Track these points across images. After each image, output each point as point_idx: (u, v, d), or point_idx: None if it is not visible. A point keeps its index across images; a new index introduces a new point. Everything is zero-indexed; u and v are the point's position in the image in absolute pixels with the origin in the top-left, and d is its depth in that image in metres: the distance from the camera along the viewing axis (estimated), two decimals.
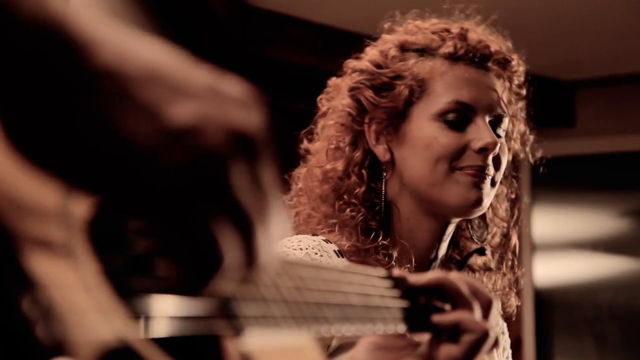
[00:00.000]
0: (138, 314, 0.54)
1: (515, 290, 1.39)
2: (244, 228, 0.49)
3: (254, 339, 0.64)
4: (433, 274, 0.92)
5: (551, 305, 3.88)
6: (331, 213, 1.30)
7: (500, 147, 1.28)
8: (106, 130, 0.45)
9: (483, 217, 1.37)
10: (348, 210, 1.30)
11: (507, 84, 1.33)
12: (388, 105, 1.30)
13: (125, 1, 2.51)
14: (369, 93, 1.30)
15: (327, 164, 1.33)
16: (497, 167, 1.29)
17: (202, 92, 0.48)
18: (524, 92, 1.37)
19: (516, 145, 1.38)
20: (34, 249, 0.47)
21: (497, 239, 1.38)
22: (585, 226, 4.01)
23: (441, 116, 1.27)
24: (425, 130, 1.28)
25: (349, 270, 0.85)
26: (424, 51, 1.31)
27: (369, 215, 1.29)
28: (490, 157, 1.26)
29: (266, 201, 0.50)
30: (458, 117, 1.27)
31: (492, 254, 1.37)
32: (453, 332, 0.89)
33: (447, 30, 1.32)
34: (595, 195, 3.96)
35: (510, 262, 1.38)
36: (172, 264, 0.50)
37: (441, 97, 1.28)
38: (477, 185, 1.26)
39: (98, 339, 0.48)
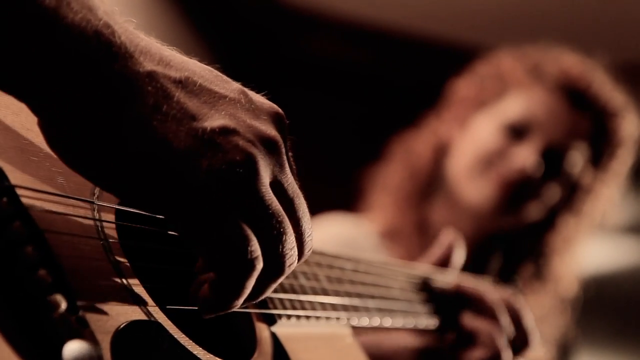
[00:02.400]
0: (166, 301, 0.56)
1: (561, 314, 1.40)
2: (273, 230, 0.51)
3: (286, 326, 0.67)
4: (459, 281, 0.94)
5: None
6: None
7: (546, 178, 1.27)
8: (148, 133, 0.47)
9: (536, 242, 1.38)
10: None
11: (603, 133, 1.31)
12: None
13: (161, 7, 2.56)
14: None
15: None
16: (532, 190, 1.29)
17: (234, 99, 0.51)
18: (624, 149, 1.34)
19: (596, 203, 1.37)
20: (64, 238, 0.51)
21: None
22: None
23: (504, 122, 1.29)
24: (482, 126, 1.31)
25: (381, 264, 0.88)
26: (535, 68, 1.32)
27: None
28: (525, 177, 1.26)
29: (294, 202, 0.53)
30: (517, 130, 1.28)
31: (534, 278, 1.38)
32: (473, 338, 0.91)
33: (570, 65, 1.32)
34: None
35: (553, 289, 1.39)
36: (205, 265, 0.51)
37: (514, 105, 1.30)
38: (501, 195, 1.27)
39: (120, 319, 0.50)
